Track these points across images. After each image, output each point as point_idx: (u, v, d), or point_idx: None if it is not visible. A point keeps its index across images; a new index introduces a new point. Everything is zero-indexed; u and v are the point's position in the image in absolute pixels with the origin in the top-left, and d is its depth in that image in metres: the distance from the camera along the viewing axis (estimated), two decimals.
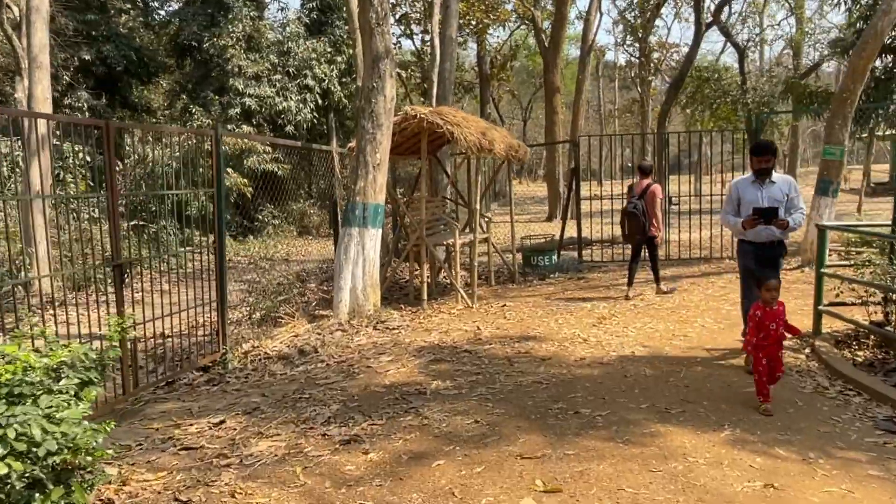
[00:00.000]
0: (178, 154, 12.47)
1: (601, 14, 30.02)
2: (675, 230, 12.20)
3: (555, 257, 11.07)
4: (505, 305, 8.28)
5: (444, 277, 9.83)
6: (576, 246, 12.22)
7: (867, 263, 5.80)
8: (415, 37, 30.75)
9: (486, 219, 10.22)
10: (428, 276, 9.75)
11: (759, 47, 36.33)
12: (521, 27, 37.90)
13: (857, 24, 12.48)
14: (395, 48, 31.33)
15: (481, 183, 9.45)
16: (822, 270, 5.81)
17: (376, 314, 7.57)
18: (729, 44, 26.89)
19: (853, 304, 5.93)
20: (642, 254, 8.74)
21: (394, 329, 7.06)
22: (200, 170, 8.83)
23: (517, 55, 39.68)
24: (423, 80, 26.61)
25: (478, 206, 9.27)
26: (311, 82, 20.97)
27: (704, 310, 7.57)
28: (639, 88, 42.06)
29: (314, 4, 22.65)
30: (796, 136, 31.85)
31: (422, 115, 7.98)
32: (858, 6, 12.56)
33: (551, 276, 10.58)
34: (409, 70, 31.20)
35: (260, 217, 19.32)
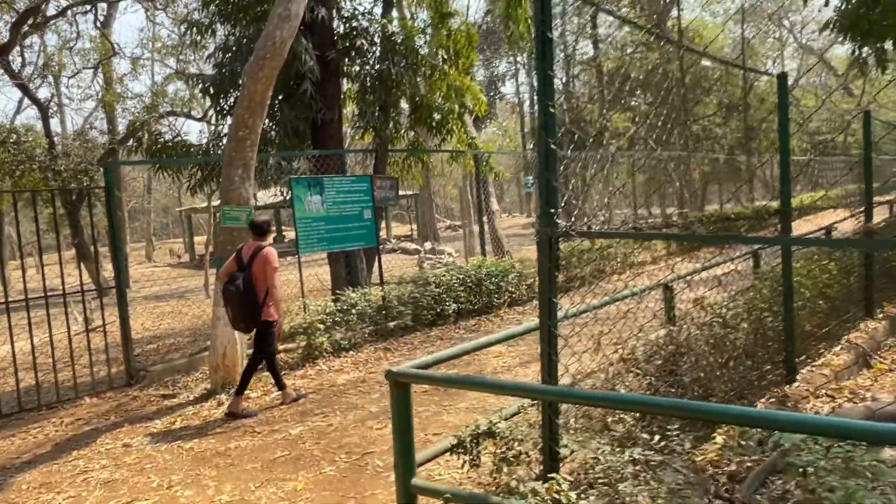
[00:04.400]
0: None
1: None
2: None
3: None
4: None
5: None
6: None
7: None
8: None
9: None
10: None
11: (60, 109, 32.78)
12: None
13: (217, 59, 10.38)
14: None
15: None
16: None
17: None
18: (29, 101, 22.66)
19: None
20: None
21: None
22: None
23: None
24: None
25: None
26: None
27: None
28: None
29: None
30: (120, 211, 29.34)
31: None
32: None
33: None
34: None
35: None
